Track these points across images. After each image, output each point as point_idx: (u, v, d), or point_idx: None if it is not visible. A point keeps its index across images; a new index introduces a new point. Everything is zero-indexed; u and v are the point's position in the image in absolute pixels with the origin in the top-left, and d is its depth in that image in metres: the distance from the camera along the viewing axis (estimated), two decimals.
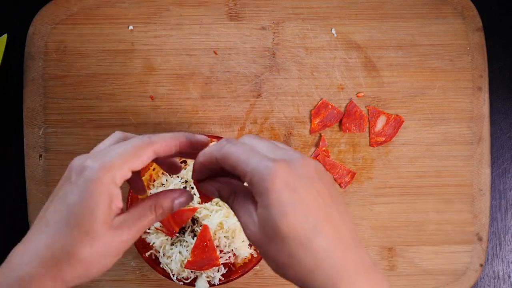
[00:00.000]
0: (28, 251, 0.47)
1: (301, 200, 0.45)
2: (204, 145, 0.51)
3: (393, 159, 0.73)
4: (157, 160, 0.53)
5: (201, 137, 0.51)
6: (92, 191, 0.47)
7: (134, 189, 0.55)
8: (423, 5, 0.74)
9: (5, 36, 0.73)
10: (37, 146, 0.72)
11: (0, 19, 0.75)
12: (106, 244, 0.47)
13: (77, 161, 0.48)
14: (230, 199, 0.49)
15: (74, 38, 0.73)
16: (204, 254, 0.64)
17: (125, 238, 0.48)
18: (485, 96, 0.73)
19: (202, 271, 0.65)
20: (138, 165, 0.48)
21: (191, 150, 0.51)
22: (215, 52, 0.73)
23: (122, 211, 0.49)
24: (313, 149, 0.73)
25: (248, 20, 0.74)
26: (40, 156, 0.72)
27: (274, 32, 0.74)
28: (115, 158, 0.47)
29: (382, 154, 0.73)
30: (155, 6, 0.73)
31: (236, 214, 0.48)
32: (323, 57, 0.73)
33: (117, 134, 0.51)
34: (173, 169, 0.54)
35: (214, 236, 0.65)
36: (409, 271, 0.73)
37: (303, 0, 0.74)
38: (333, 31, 0.73)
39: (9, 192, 0.74)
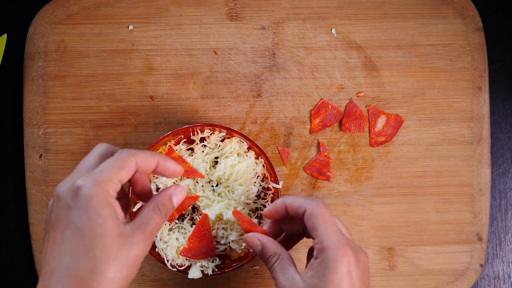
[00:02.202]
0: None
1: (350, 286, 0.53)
2: (174, 174, 0.55)
3: (393, 159, 0.73)
4: (135, 189, 0.56)
5: (175, 166, 0.55)
6: (96, 208, 0.48)
7: (141, 197, 0.57)
8: (423, 5, 0.74)
9: (5, 36, 0.73)
10: (37, 146, 0.72)
11: (0, 19, 0.75)
12: (124, 255, 0.48)
13: (63, 187, 0.50)
14: (273, 259, 0.57)
15: (74, 38, 0.73)
16: (200, 243, 0.65)
17: (141, 245, 0.50)
18: (485, 96, 0.73)
19: (196, 260, 0.66)
20: (124, 175, 0.51)
21: (163, 172, 0.55)
22: (215, 52, 0.73)
23: (126, 219, 0.51)
24: (313, 149, 0.73)
25: (248, 20, 0.74)
26: (40, 156, 0.72)
27: (274, 32, 0.74)
28: (104, 172, 0.49)
29: (382, 154, 0.73)
30: (155, 6, 0.73)
31: (275, 275, 0.56)
32: (323, 57, 0.73)
33: (102, 146, 0.53)
34: (146, 198, 0.57)
35: (212, 227, 0.66)
36: (409, 271, 0.73)
37: (303, 0, 0.74)
38: (333, 31, 0.73)
39: (9, 192, 0.74)
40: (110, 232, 0.48)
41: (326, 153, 0.73)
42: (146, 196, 0.56)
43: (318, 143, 0.73)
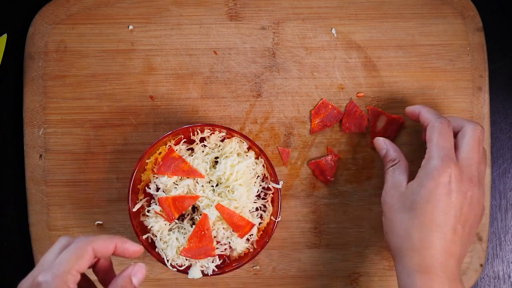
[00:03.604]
0: None
1: (446, 205, 0.59)
2: (134, 254, 0.56)
3: None
4: (98, 276, 0.57)
5: (134, 246, 0.56)
6: None
7: (104, 282, 0.58)
8: (423, 5, 0.74)
9: (5, 36, 0.73)
10: (37, 146, 0.72)
11: (0, 19, 0.75)
12: None
13: (25, 284, 0.51)
14: (391, 163, 0.65)
15: (74, 38, 0.73)
16: (200, 243, 0.65)
17: None
18: (485, 96, 0.73)
19: (196, 260, 0.66)
20: (82, 265, 0.52)
21: (122, 254, 0.56)
22: (215, 52, 0.73)
23: None
24: (313, 149, 0.73)
25: (248, 20, 0.74)
26: (40, 156, 0.72)
27: (274, 32, 0.74)
28: (62, 265, 0.51)
29: None
30: (155, 6, 0.73)
31: (386, 176, 0.65)
32: (323, 57, 0.73)
33: (63, 240, 0.55)
34: (107, 280, 0.58)
35: (212, 227, 0.66)
36: None
37: (303, 0, 0.74)
38: (333, 31, 0.73)
39: (9, 192, 0.74)
40: None
41: (336, 159, 0.72)
42: (110, 281, 0.57)
43: (327, 148, 0.73)
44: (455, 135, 0.64)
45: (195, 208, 0.68)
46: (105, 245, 0.54)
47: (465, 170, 0.60)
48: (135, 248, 0.56)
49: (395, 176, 0.64)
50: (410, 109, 0.68)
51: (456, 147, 0.62)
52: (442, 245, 0.58)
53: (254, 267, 0.73)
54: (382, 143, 0.67)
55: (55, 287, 0.50)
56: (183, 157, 0.66)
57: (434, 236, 0.58)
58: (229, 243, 0.66)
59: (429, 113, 0.65)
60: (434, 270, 0.58)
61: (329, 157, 0.73)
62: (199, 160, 0.66)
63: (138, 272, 0.55)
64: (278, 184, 0.66)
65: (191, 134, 0.68)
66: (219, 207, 0.65)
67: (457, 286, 0.58)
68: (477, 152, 0.62)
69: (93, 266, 0.57)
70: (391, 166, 0.65)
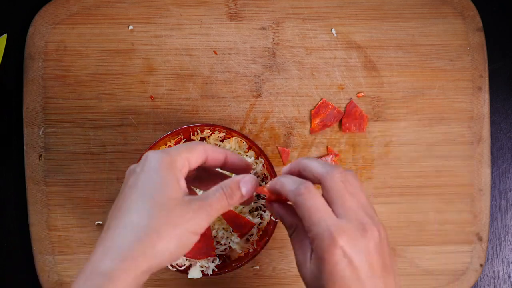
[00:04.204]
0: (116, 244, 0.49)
1: (354, 276, 0.48)
2: (245, 170, 0.57)
3: (393, 159, 0.73)
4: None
5: (242, 162, 0.57)
6: (159, 170, 0.51)
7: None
8: (423, 5, 0.74)
9: (5, 36, 0.73)
10: (37, 146, 0.72)
11: (0, 19, 0.75)
12: (179, 217, 0.50)
13: (134, 165, 0.53)
14: (290, 230, 0.54)
15: (74, 38, 0.73)
16: (200, 244, 0.65)
17: (197, 215, 0.50)
18: (485, 96, 0.73)
19: (196, 260, 0.66)
20: (192, 157, 0.53)
21: (232, 168, 0.57)
22: (215, 52, 0.73)
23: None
24: (313, 149, 0.73)
25: (248, 20, 0.74)
26: (40, 156, 0.72)
27: (274, 32, 0.74)
28: (172, 149, 0.53)
29: (382, 154, 0.73)
30: (155, 6, 0.73)
31: (293, 247, 0.53)
32: (323, 57, 0.73)
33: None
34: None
35: (212, 227, 0.66)
36: (409, 271, 0.73)
37: (303, 0, 0.74)
38: (333, 31, 0.73)
39: (9, 192, 0.74)
40: (168, 192, 0.50)
41: (336, 159, 0.72)
42: None
43: (327, 148, 0.73)
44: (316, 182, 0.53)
45: None
46: (218, 153, 0.55)
47: (352, 228, 0.49)
48: (243, 162, 0.57)
49: (296, 250, 0.52)
50: (269, 187, 0.55)
51: (328, 202, 0.51)
52: None
53: (254, 267, 0.73)
54: (276, 208, 0.55)
55: (161, 160, 0.51)
56: None
57: None
58: (229, 243, 0.66)
59: (283, 186, 0.52)
60: None
61: (329, 157, 0.73)
62: None
63: (248, 183, 0.53)
64: None
65: (191, 134, 0.68)
66: None
67: None
68: (349, 198, 0.50)
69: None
70: (290, 235, 0.54)
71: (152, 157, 0.51)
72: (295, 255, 0.52)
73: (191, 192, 0.59)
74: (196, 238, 0.51)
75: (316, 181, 0.52)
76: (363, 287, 0.48)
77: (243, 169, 0.57)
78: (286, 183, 0.52)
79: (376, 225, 0.50)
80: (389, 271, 0.50)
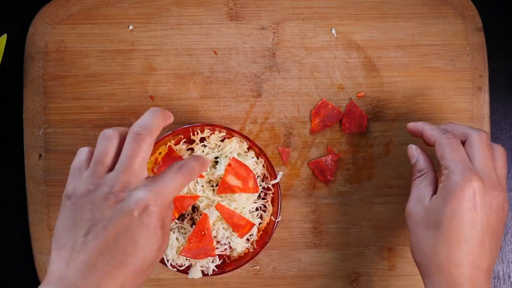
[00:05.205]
0: None
1: (472, 220, 0.57)
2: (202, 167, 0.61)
3: (393, 159, 0.73)
4: None
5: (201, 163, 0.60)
6: (158, 231, 0.54)
7: None
8: (423, 5, 0.74)
9: (5, 36, 0.73)
10: (37, 146, 0.72)
11: (0, 19, 0.75)
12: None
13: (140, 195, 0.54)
14: (418, 173, 0.63)
15: (74, 38, 0.73)
16: (200, 243, 0.65)
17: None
18: (485, 96, 0.73)
19: (196, 260, 0.66)
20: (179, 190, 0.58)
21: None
22: (215, 52, 0.73)
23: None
24: (313, 149, 0.73)
25: (248, 20, 0.74)
26: (40, 156, 0.72)
27: (274, 32, 0.74)
28: (165, 190, 0.55)
29: (382, 154, 0.73)
30: (155, 6, 0.73)
31: (412, 187, 0.62)
32: (323, 57, 0.73)
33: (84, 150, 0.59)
34: None
35: (212, 227, 0.66)
36: (409, 271, 0.73)
37: (303, 0, 0.74)
38: (333, 31, 0.73)
39: (9, 192, 0.74)
40: (152, 259, 0.54)
41: (336, 159, 0.72)
42: None
43: (327, 148, 0.73)
44: (429, 143, 0.63)
45: (195, 208, 0.68)
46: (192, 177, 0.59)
47: (486, 179, 0.58)
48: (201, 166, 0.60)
49: (420, 189, 0.62)
50: (412, 126, 0.65)
51: (440, 157, 0.61)
52: (470, 260, 0.57)
53: (254, 267, 0.73)
54: (413, 151, 0.65)
55: (159, 216, 0.54)
56: (183, 157, 0.66)
57: (462, 252, 0.57)
58: (229, 243, 0.66)
59: (432, 130, 0.63)
60: (463, 286, 0.56)
61: (329, 157, 0.73)
62: None
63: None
64: (276, 179, 0.66)
65: (191, 134, 0.68)
66: (219, 207, 0.65)
67: None
68: (490, 158, 0.60)
69: None
70: (418, 177, 0.63)
71: (151, 209, 0.53)
72: (411, 193, 0.62)
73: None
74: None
75: (432, 141, 0.62)
76: (473, 234, 0.56)
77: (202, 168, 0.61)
78: (430, 126, 0.63)
79: (504, 192, 0.59)
80: (497, 240, 0.59)
